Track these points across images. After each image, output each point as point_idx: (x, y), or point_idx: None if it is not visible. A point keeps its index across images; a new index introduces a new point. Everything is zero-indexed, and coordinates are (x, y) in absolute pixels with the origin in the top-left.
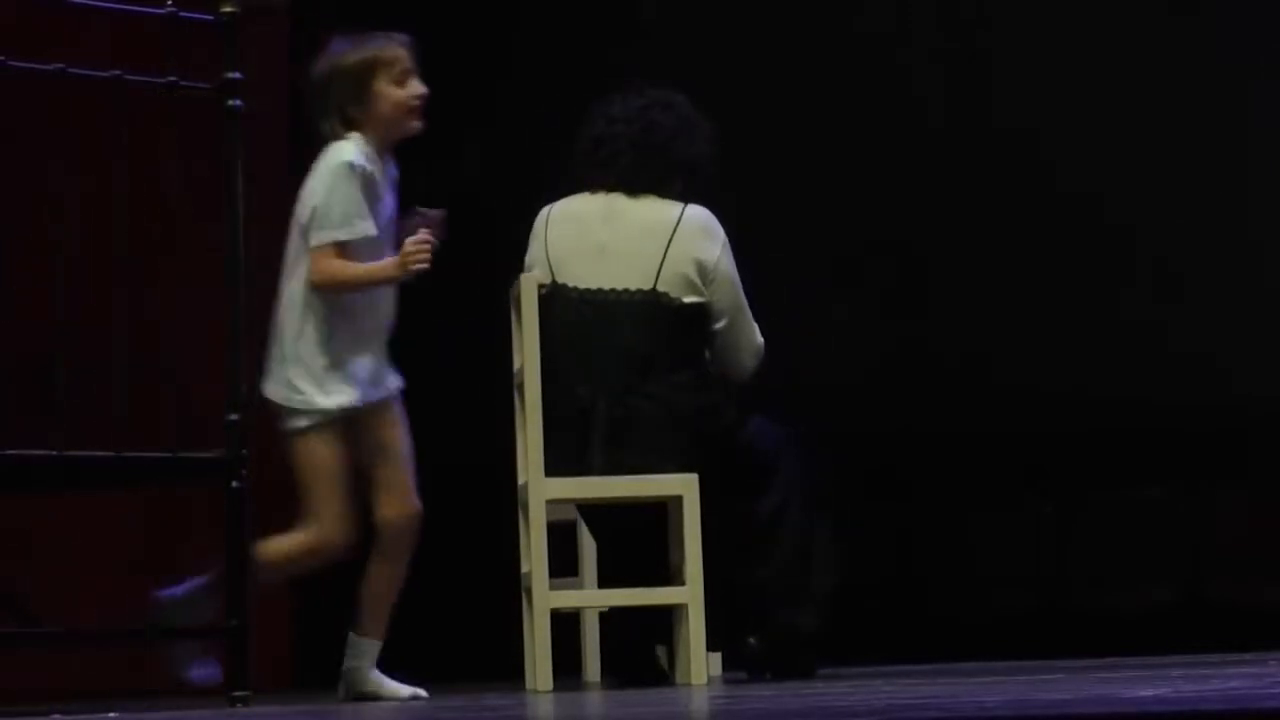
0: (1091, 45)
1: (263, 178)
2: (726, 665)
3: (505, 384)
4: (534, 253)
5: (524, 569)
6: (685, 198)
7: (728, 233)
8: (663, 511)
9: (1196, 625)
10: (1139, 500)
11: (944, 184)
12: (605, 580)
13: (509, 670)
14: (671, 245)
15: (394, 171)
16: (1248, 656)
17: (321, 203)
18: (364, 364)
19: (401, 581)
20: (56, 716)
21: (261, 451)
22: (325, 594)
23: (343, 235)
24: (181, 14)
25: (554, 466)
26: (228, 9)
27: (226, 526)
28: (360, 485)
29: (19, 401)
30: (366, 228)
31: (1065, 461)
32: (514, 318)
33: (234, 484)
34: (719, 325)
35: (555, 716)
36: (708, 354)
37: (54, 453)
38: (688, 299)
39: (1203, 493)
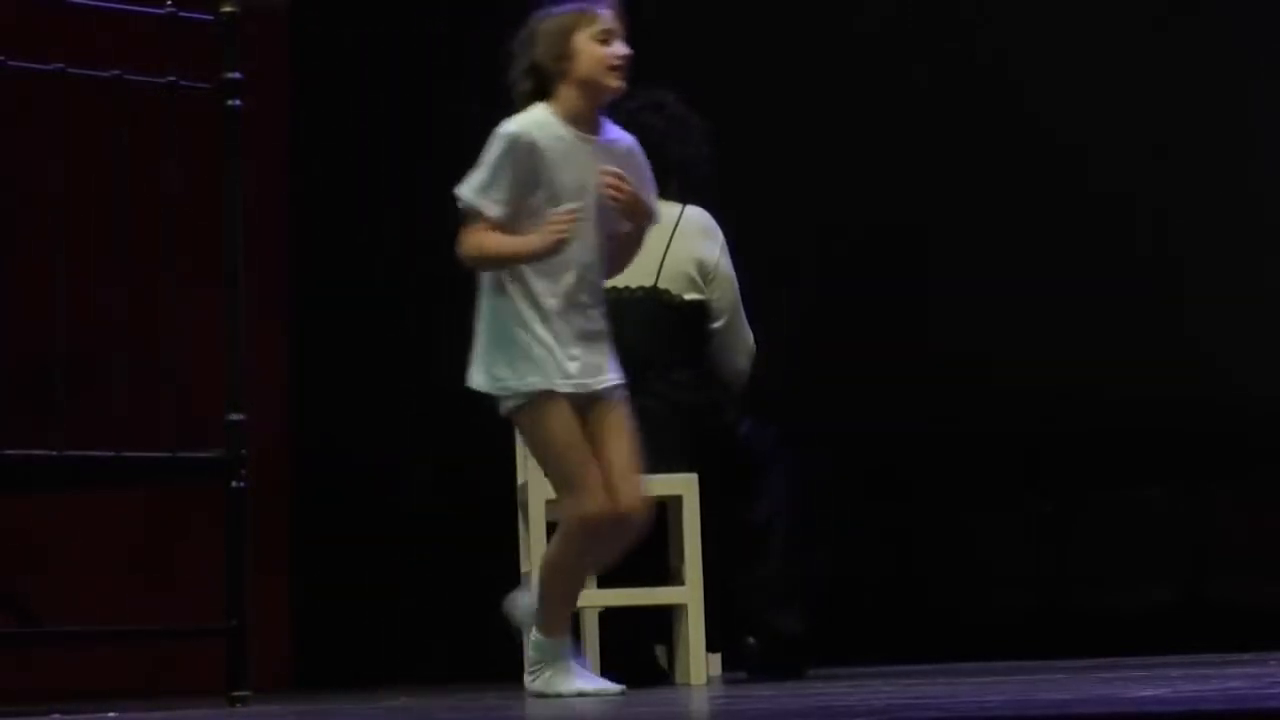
0: (1093, 42)
1: (263, 178)
2: (726, 665)
3: None
4: None
5: (524, 569)
6: (683, 198)
7: (725, 232)
8: (661, 511)
9: (1196, 625)
10: (1139, 500)
11: (944, 184)
12: (602, 580)
13: (509, 670)
14: (672, 243)
15: (613, 136)
16: (1248, 656)
17: (471, 174)
18: (556, 347)
19: (584, 576)
20: (56, 716)
21: (261, 452)
22: (325, 594)
23: (475, 203)
24: (181, 14)
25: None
26: (228, 9)
27: (226, 526)
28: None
29: (19, 401)
30: (490, 206)
31: (1065, 461)
32: None
33: (234, 484)
34: (717, 324)
35: (556, 717)
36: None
37: (54, 453)
38: (689, 296)
39: (1203, 493)
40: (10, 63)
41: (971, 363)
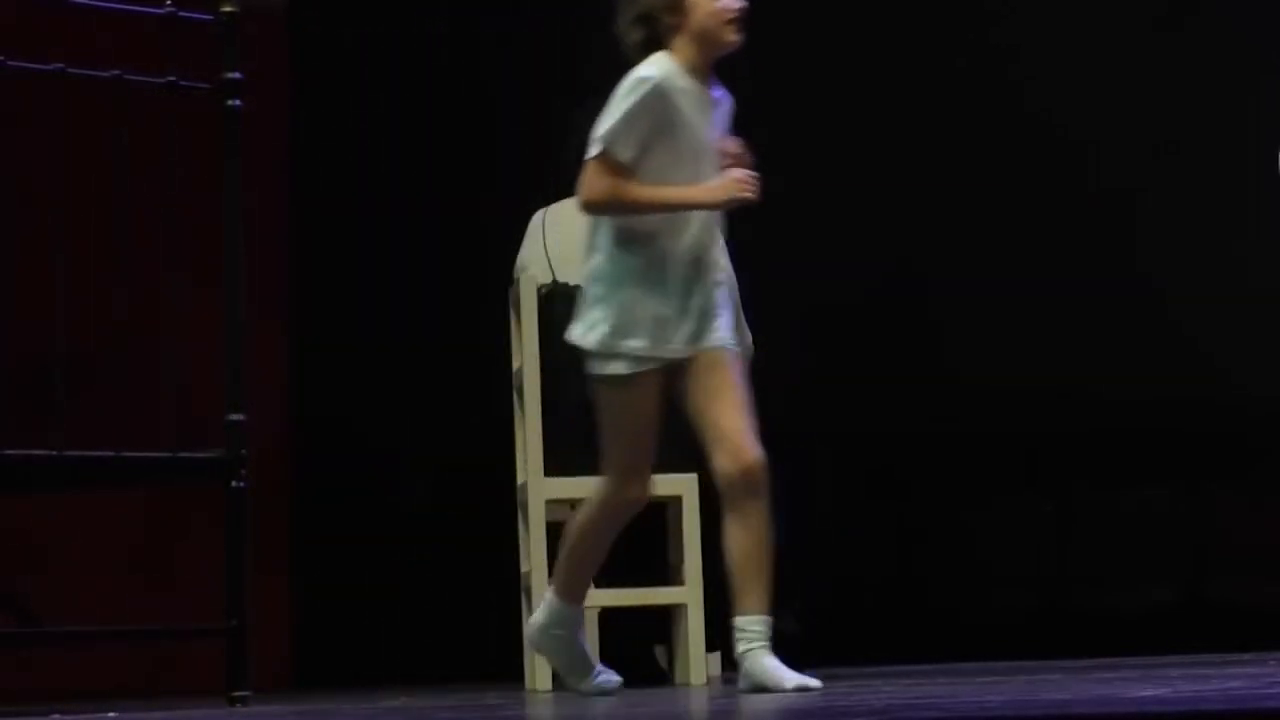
0: (1094, 42)
1: (263, 178)
2: (726, 665)
3: (505, 384)
4: (532, 253)
5: (524, 569)
6: None
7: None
8: (661, 511)
9: (1196, 625)
10: (1139, 500)
11: (945, 184)
12: (602, 580)
13: (509, 670)
14: None
15: (719, 94)
16: (1248, 656)
17: (605, 117)
18: (669, 308)
19: (766, 542)
20: (56, 716)
21: (261, 452)
22: (325, 594)
23: (606, 148)
24: (181, 14)
25: (559, 464)
26: (228, 9)
27: (226, 526)
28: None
29: (19, 401)
30: (622, 150)
31: (1065, 461)
32: (513, 318)
33: (234, 484)
34: None
35: (555, 716)
36: None
37: (54, 453)
38: None
39: (1203, 493)
40: (10, 63)
41: (972, 363)
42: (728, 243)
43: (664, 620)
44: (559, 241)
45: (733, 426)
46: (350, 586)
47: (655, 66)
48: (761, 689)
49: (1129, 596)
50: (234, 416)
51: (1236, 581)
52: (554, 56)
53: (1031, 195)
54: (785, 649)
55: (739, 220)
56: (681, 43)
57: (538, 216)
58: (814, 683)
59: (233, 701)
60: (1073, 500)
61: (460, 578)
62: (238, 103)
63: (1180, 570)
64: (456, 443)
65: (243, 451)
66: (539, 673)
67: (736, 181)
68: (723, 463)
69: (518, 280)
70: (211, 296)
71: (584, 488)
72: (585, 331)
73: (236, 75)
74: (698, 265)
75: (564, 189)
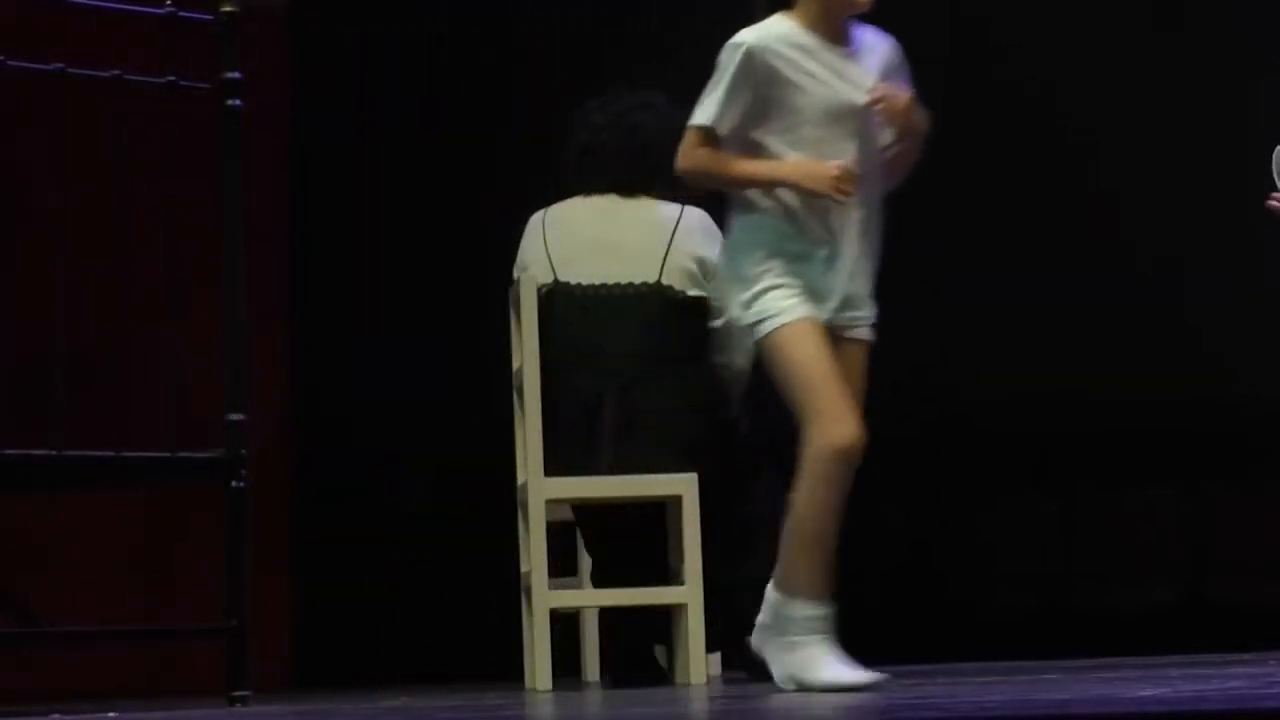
0: (1096, 45)
1: (263, 178)
2: (726, 665)
3: (505, 384)
4: (532, 254)
5: (524, 569)
6: (678, 196)
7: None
8: (657, 511)
9: (1196, 625)
10: (1141, 500)
11: (945, 184)
12: (602, 580)
13: (509, 670)
14: (674, 241)
15: (866, 40)
16: (1248, 656)
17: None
18: (818, 280)
19: (836, 525)
20: (56, 716)
21: (261, 452)
22: (325, 594)
23: (701, 115)
24: (181, 14)
25: (560, 463)
26: (228, 9)
27: (226, 526)
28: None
29: (19, 401)
30: (718, 120)
31: (1068, 461)
32: (513, 318)
33: (234, 484)
34: (718, 322)
35: (555, 716)
36: None
37: (54, 453)
38: (691, 292)
39: (1204, 493)
40: (10, 63)
41: (974, 362)
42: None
43: (664, 620)
44: (560, 241)
45: (851, 406)
46: (350, 586)
47: (755, 29)
48: (813, 683)
49: (1129, 596)
50: (234, 416)
51: (1236, 581)
52: (554, 56)
53: (1035, 195)
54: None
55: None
56: (805, 4)
57: (537, 217)
58: (874, 676)
59: (233, 701)
60: (1076, 500)
61: (460, 578)
62: (238, 103)
63: (1180, 570)
64: (456, 443)
65: (243, 451)
66: (539, 673)
67: (831, 178)
68: (854, 431)
69: (518, 280)
70: (211, 296)
71: (584, 488)
72: (739, 309)
73: (236, 75)
74: (844, 243)
75: (564, 189)
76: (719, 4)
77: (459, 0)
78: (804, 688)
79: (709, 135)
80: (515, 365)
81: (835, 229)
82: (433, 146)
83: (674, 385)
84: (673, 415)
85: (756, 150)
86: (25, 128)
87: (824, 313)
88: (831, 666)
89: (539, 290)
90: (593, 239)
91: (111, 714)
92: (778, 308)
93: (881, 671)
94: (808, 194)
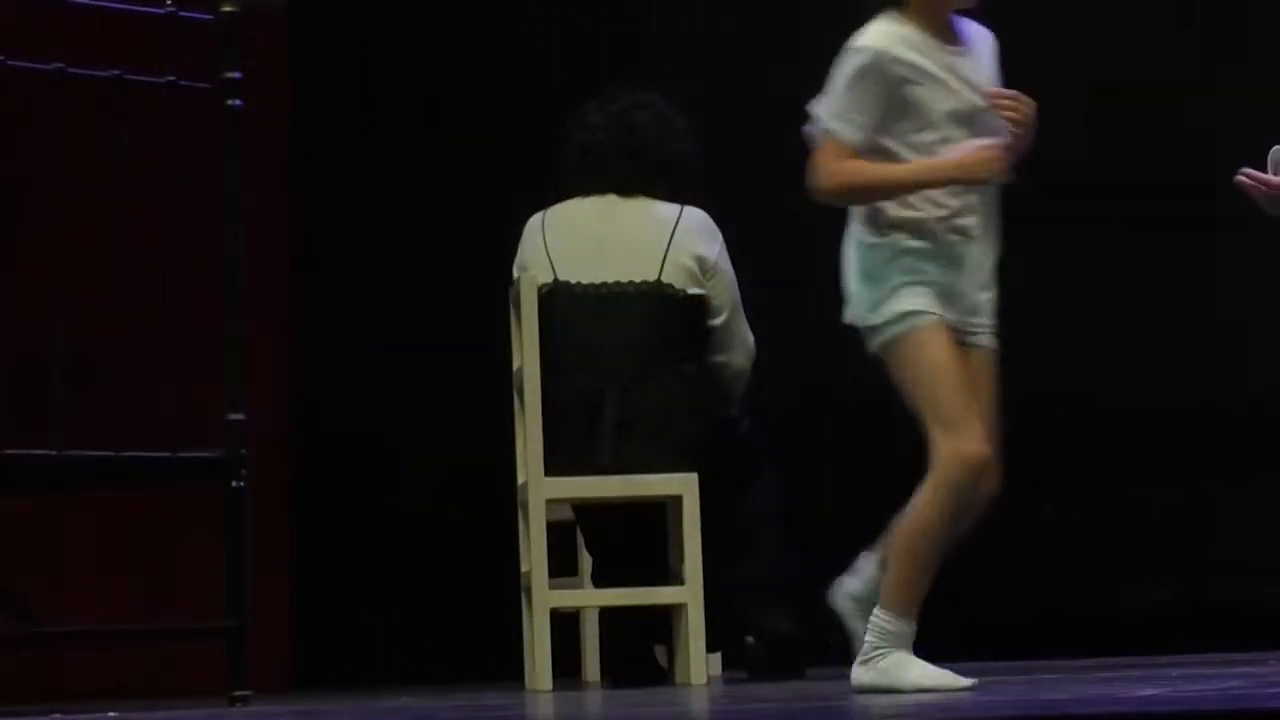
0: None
1: (263, 178)
2: (726, 665)
3: (505, 384)
4: (532, 254)
5: (524, 569)
6: (673, 196)
7: (722, 230)
8: (657, 511)
9: (1196, 625)
10: (1140, 500)
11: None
12: (602, 580)
13: (509, 670)
14: (673, 240)
15: (968, 34)
16: (1248, 656)
17: (826, 95)
18: (940, 283)
19: (947, 538)
20: (56, 716)
21: (261, 452)
22: (325, 594)
23: (832, 126)
24: (181, 14)
25: (561, 462)
26: (228, 9)
27: (226, 526)
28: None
29: (19, 401)
30: (849, 130)
31: (1066, 461)
32: (513, 318)
33: (234, 484)
34: (717, 321)
35: (555, 716)
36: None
37: (54, 453)
38: (691, 291)
39: (1203, 493)
40: (10, 63)
41: None
42: (727, 244)
43: (664, 620)
44: (559, 241)
45: (985, 420)
46: (350, 586)
47: (873, 32)
48: (890, 689)
49: (1129, 596)
50: (234, 416)
51: (1236, 581)
52: (555, 56)
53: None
54: (785, 650)
55: (737, 218)
56: (914, 4)
57: (536, 219)
58: (961, 680)
59: (233, 701)
60: (1074, 500)
61: (460, 578)
62: (238, 103)
63: (1180, 570)
64: (456, 443)
65: (243, 451)
66: (539, 672)
67: (983, 158)
68: (984, 444)
69: (518, 280)
70: (212, 296)
71: (584, 488)
72: (864, 310)
73: (236, 75)
74: (966, 237)
75: (563, 189)
76: (719, 4)
77: (459, 0)
78: (897, 689)
79: (841, 147)
80: (515, 365)
81: (962, 231)
82: (433, 146)
83: (674, 385)
84: (673, 415)
85: (880, 158)
86: (25, 128)
87: (952, 316)
88: (922, 668)
89: (539, 290)
90: (592, 238)
91: (111, 714)
92: (909, 307)
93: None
94: (970, 184)
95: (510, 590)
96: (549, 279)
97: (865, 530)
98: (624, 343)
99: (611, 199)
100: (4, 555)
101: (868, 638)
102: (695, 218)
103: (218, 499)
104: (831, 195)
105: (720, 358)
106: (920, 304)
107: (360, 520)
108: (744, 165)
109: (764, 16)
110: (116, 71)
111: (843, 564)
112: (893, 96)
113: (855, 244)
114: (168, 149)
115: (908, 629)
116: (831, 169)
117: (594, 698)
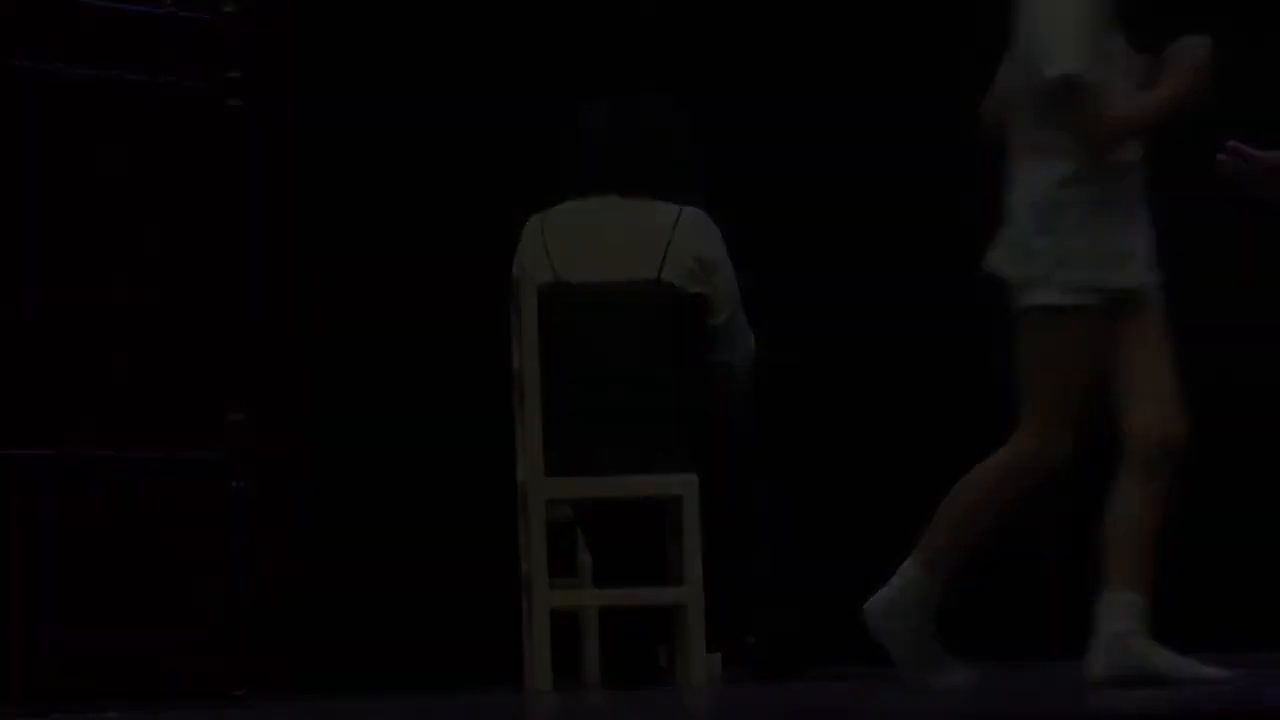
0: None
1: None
2: (726, 665)
3: (505, 384)
4: (531, 254)
5: (524, 569)
6: (673, 196)
7: (722, 230)
8: (657, 511)
9: (1196, 625)
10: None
11: (942, 183)
12: (602, 580)
13: (509, 670)
14: (673, 239)
15: None
16: (1247, 656)
17: (1052, 33)
18: (1115, 234)
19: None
20: (57, 716)
21: (261, 452)
22: (325, 593)
23: (1082, 71)
24: (181, 14)
25: (562, 461)
26: (228, 9)
27: (226, 527)
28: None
29: (19, 400)
30: (1086, 63)
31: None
32: (513, 318)
33: (234, 484)
34: (717, 321)
35: (555, 716)
36: None
37: (54, 453)
38: (692, 289)
39: (1204, 493)
40: (10, 62)
41: (972, 361)
42: (727, 243)
43: (664, 620)
44: (559, 241)
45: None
46: (350, 586)
47: None
48: (1153, 677)
49: None
50: (234, 416)
51: (1236, 582)
52: (554, 57)
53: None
54: (786, 650)
55: (739, 217)
56: None
57: (534, 221)
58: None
59: (233, 701)
60: (1073, 500)
61: (460, 578)
62: (238, 103)
63: (1180, 570)
64: (456, 443)
65: (243, 451)
66: (539, 673)
67: (1193, 62)
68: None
69: (518, 280)
70: (212, 296)
71: (584, 487)
72: (1014, 260)
73: (236, 75)
74: (1133, 178)
75: (564, 189)
76: (719, 4)
77: (459, 0)
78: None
79: (1090, 86)
80: (515, 365)
81: (1130, 182)
82: (433, 147)
83: (674, 384)
84: (673, 415)
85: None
86: (25, 128)
87: (1130, 279)
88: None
89: (539, 290)
90: (592, 238)
91: (112, 714)
92: (1057, 277)
93: (883, 671)
94: (1193, 95)
95: (510, 590)
96: (549, 279)
97: (867, 530)
98: (624, 343)
99: (612, 199)
100: (4, 555)
101: (882, 591)
102: (695, 218)
103: (218, 499)
104: (1115, 141)
105: (720, 357)
106: (1083, 276)
107: (360, 520)
108: (744, 165)
109: (763, 12)
110: (116, 71)
111: (843, 564)
112: (1101, 18)
113: (1033, 182)
114: (168, 150)
115: (928, 581)
116: (1099, 118)
117: (594, 698)
